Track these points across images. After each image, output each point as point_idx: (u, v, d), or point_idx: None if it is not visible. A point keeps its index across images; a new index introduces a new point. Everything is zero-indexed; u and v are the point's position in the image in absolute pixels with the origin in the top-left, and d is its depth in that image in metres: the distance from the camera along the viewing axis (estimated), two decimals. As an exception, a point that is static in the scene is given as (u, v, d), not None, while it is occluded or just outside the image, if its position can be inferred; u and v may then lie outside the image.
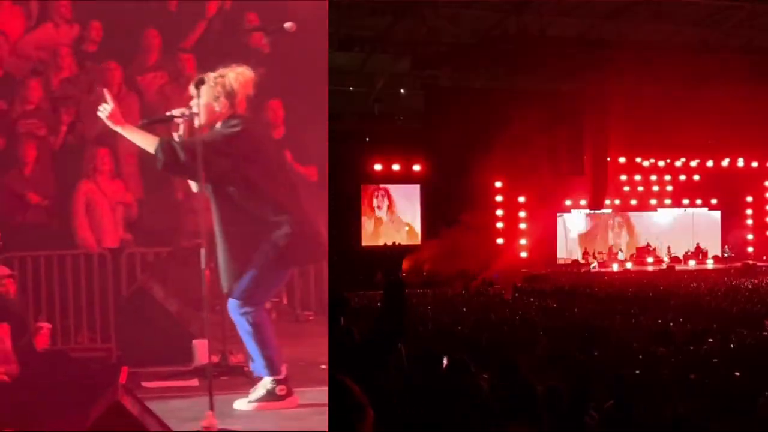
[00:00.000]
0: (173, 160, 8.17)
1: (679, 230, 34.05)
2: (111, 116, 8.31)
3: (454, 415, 6.06)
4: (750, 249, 33.97)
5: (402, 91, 30.46)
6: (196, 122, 8.37)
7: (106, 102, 8.32)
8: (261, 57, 11.00)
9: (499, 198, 29.91)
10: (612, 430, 6.67)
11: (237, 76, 8.52)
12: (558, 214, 31.93)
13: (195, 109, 8.38)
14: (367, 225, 28.94)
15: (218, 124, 8.45)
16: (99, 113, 8.36)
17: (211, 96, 8.41)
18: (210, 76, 8.47)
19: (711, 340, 13.30)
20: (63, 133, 12.01)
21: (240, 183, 8.36)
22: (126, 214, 11.84)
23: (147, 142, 8.31)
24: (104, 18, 12.41)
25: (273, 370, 8.56)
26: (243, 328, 8.55)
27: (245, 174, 8.36)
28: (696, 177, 33.53)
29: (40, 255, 11.34)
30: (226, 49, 12.03)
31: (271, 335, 8.61)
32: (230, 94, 8.45)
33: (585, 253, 32.08)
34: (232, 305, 8.54)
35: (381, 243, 27.99)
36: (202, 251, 8.04)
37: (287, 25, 9.21)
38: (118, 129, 8.39)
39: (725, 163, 33.25)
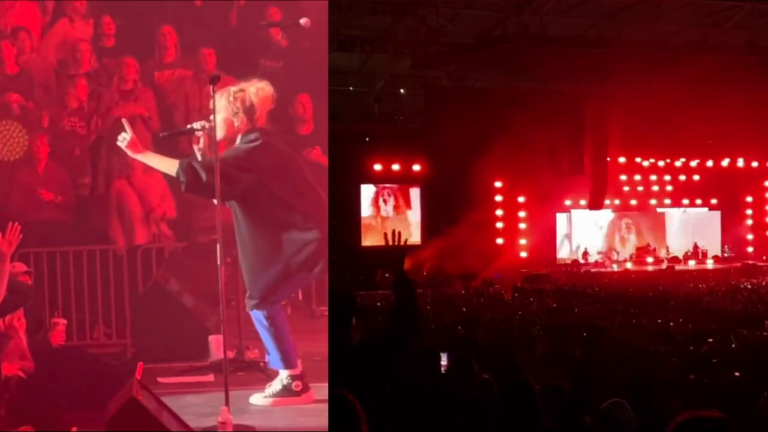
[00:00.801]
0: (196, 181, 8.21)
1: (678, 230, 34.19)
2: (130, 145, 8.37)
3: (459, 415, 6.15)
4: (750, 249, 33.95)
5: (402, 91, 30.50)
6: (217, 135, 8.44)
7: (124, 131, 8.38)
8: (272, 53, 11.06)
9: (499, 198, 29.81)
10: (609, 429, 6.74)
11: (257, 91, 8.54)
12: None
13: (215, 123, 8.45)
14: (374, 224, 28.93)
15: (238, 139, 8.51)
16: (118, 143, 8.44)
17: (230, 111, 8.44)
18: (230, 90, 8.50)
19: (711, 340, 13.40)
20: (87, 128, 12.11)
21: (265, 196, 8.41)
22: (159, 207, 11.88)
23: (167, 166, 8.37)
24: (120, 14, 12.42)
25: (289, 363, 8.64)
26: (259, 322, 8.65)
27: (270, 187, 8.41)
28: (696, 177, 33.46)
29: (55, 251, 11.35)
30: (245, 44, 12.05)
31: (287, 329, 8.70)
32: (249, 110, 8.47)
33: (585, 253, 32.15)
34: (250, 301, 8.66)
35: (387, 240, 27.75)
36: (218, 246, 8.08)
37: (303, 21, 9.25)
38: (138, 157, 8.47)
39: (725, 163, 33.19)
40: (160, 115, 12.21)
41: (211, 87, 8.34)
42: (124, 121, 8.52)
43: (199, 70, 12.18)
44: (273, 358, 8.70)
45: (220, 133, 8.46)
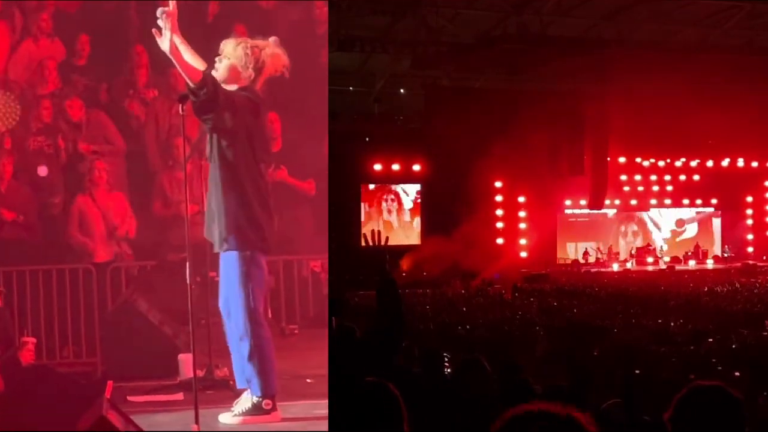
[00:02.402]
0: (213, 96, 7.91)
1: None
2: (172, 20, 7.79)
3: (463, 415, 6.03)
4: (750, 249, 33.94)
5: (402, 91, 30.45)
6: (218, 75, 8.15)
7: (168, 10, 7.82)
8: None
9: (499, 198, 29.89)
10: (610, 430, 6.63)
11: (273, 57, 8.31)
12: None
13: (218, 64, 8.20)
14: (375, 228, 28.88)
15: (232, 87, 8.22)
16: (158, 21, 7.80)
17: (240, 62, 8.19)
18: (247, 42, 8.26)
19: (711, 340, 13.29)
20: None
21: (239, 146, 8.10)
22: (121, 227, 11.77)
23: (197, 63, 7.97)
24: (90, 33, 12.33)
25: (270, 390, 8.38)
26: (245, 350, 8.30)
27: (243, 143, 8.13)
28: (696, 177, 33.45)
29: (25, 270, 11.28)
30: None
31: (272, 354, 8.42)
32: (259, 69, 8.24)
33: (585, 253, 32.12)
34: (237, 329, 8.36)
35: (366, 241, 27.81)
36: (188, 265, 7.95)
37: (271, 39, 9.01)
38: (168, 43, 7.81)
39: (725, 163, 33.13)
40: (125, 136, 12.14)
41: (180, 106, 8.12)
42: (165, 8, 7.87)
43: (169, 89, 12.05)
44: (253, 385, 8.37)
45: (222, 75, 8.19)
